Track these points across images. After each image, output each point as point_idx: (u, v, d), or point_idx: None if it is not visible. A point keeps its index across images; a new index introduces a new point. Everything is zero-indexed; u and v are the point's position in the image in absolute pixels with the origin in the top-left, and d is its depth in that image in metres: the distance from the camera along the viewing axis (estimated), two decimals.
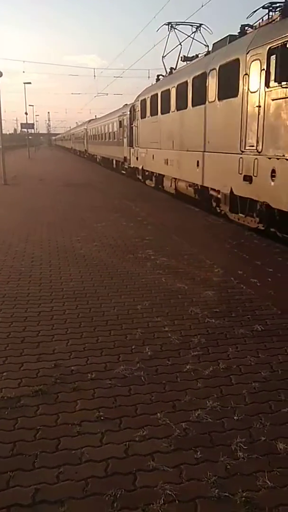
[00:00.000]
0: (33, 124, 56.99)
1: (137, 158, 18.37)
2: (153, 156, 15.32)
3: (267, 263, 6.56)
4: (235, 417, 2.95)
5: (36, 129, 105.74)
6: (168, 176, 13.98)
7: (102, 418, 2.95)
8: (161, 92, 14.01)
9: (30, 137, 62.05)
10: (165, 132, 13.61)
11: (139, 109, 17.34)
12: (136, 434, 2.78)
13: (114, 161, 26.82)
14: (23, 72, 60.50)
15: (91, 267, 6.41)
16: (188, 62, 13.16)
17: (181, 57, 13.58)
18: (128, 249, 7.46)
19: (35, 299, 5.12)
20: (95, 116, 39.65)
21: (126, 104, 23.18)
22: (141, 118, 16.99)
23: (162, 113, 13.94)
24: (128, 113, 20.29)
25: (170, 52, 15.47)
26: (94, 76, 50.16)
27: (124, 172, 23.54)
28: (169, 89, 13.07)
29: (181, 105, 11.96)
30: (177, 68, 14.33)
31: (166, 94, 13.37)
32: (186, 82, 11.44)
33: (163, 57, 15.40)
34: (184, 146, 11.82)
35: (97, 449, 2.65)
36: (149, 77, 37.06)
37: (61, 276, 6.02)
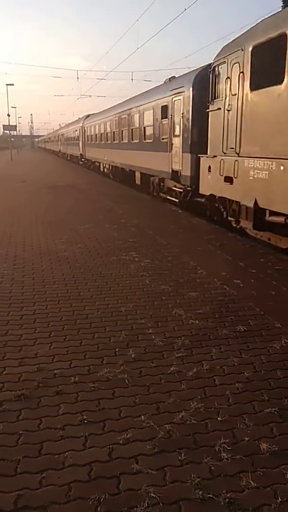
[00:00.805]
0: (15, 126, 56.59)
1: (227, 180, 8.33)
2: None
3: (250, 264, 6.61)
4: (218, 418, 2.96)
5: (19, 131, 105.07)
6: None
7: (85, 421, 2.92)
8: None
9: (12, 139, 61.59)
10: None
11: (243, 70, 7.56)
12: (120, 437, 2.77)
13: (139, 176, 15.97)
14: (6, 73, 60.07)
15: (74, 269, 6.38)
16: None
17: None
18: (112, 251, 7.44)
19: (17, 302, 5.06)
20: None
21: (172, 78, 13.23)
22: (252, 89, 7.32)
23: None
24: (186, 91, 10.79)
25: None
26: (77, 78, 49.74)
27: (175, 199, 12.50)
28: None
29: None
30: None
31: None
32: None
33: None
34: None
35: (80, 453, 2.63)
36: (132, 79, 36.95)
37: (44, 278, 5.96)
